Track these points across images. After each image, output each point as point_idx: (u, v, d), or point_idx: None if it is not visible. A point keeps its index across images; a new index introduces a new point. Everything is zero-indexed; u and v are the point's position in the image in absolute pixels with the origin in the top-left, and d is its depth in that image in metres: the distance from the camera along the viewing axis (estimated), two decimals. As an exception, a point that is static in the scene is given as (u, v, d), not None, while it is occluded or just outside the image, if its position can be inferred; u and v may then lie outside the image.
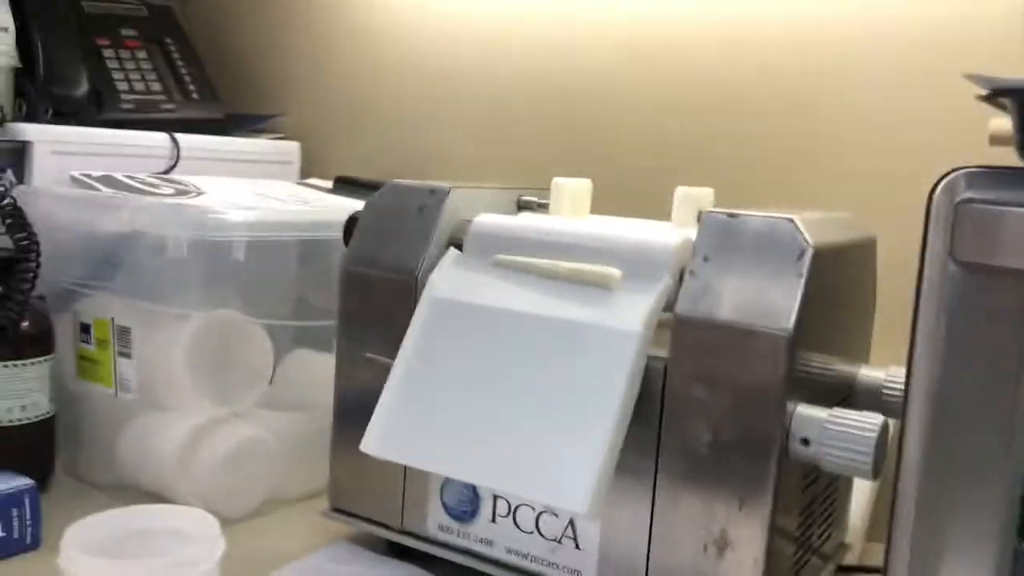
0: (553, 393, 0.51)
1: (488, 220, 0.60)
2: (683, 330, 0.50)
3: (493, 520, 0.57)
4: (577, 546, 0.54)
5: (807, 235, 0.49)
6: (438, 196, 0.61)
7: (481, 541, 0.58)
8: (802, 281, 0.48)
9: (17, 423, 0.66)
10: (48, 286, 0.73)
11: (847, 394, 0.58)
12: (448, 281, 0.58)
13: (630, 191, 0.74)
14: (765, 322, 0.48)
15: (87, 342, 0.69)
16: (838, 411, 0.49)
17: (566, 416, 0.50)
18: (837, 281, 0.54)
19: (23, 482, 0.60)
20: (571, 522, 0.54)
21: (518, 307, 0.55)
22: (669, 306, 0.51)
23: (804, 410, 0.49)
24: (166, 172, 0.87)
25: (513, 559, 0.56)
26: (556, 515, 0.55)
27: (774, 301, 0.48)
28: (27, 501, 0.59)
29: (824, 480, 0.56)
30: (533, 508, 0.55)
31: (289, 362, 0.78)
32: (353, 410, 0.61)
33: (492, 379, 0.53)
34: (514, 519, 0.56)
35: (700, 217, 0.52)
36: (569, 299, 0.54)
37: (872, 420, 0.48)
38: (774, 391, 0.47)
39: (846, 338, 0.57)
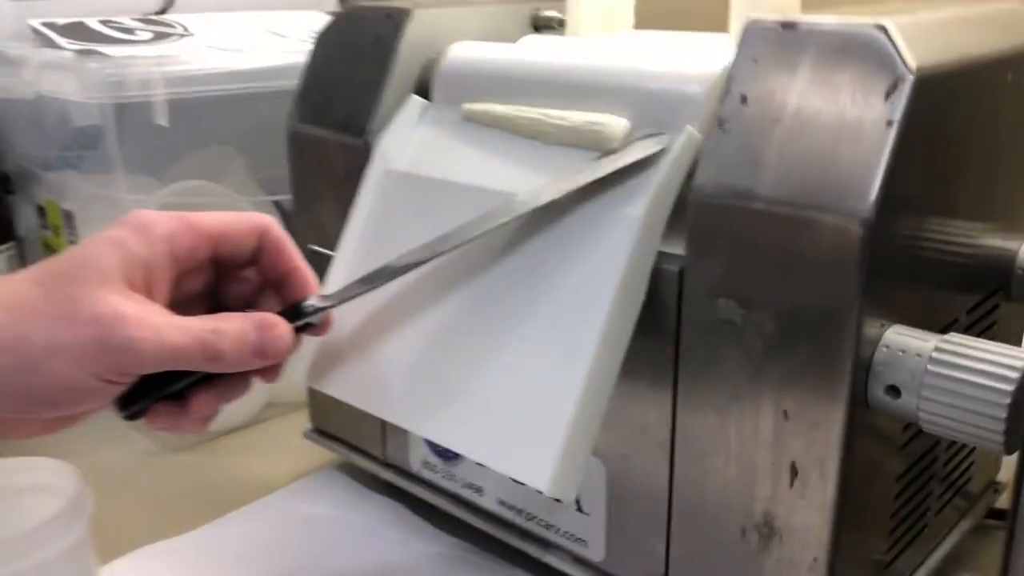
0: (526, 311, 0.35)
1: (462, 53, 0.42)
2: (704, 216, 0.32)
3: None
4: (580, 508, 0.39)
5: (907, 54, 0.29)
6: (395, 22, 0.44)
7: (468, 487, 0.44)
8: (893, 132, 0.28)
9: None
10: (13, 163, 0.63)
11: (996, 286, 0.39)
12: (405, 145, 0.42)
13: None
14: (830, 202, 0.29)
15: (47, 228, 0.59)
16: (954, 341, 0.30)
17: (538, 347, 0.34)
18: (975, 118, 0.34)
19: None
20: (569, 477, 0.39)
21: (487, 183, 0.38)
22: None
23: (896, 338, 0.31)
24: (161, 12, 0.73)
25: (506, 513, 0.43)
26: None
27: (845, 168, 0.29)
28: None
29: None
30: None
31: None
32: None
33: (450, 291, 0.38)
34: (502, 465, 0.42)
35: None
36: (556, 167, 0.37)
37: (1012, 361, 0.29)
38: (844, 311, 0.29)
39: (994, 201, 0.37)
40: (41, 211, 0.59)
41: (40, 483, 0.39)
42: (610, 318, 0.33)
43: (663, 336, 0.34)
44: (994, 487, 0.46)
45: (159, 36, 0.65)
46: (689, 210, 0.32)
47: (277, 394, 0.59)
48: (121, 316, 0.29)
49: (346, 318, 0.40)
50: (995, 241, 0.37)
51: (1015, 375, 0.28)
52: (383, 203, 0.41)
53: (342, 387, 0.40)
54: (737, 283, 0.31)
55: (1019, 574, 0.27)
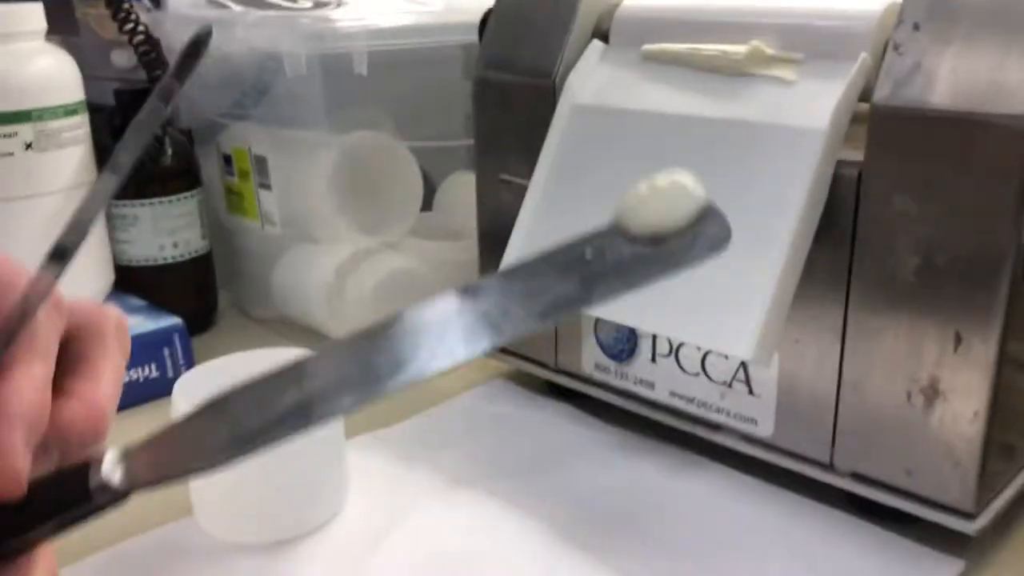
0: (727, 208, 0.41)
1: (637, 1, 0.49)
2: (884, 124, 0.38)
3: (653, 360, 0.49)
4: (751, 391, 0.46)
5: (1066, -20, 0.35)
6: (578, -22, 0.50)
7: (640, 382, 0.50)
8: (1055, 46, 0.35)
9: (171, 260, 0.64)
10: (193, 118, 0.70)
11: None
12: (590, 83, 0.48)
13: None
14: (998, 106, 0.35)
15: (231, 174, 0.66)
16: (1102, 222, 0.36)
17: (738, 238, 0.41)
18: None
19: (171, 321, 0.58)
20: (743, 363, 0.46)
21: (671, 109, 0.44)
22: (868, 94, 0.39)
23: (1052, 223, 0.37)
24: (310, -15, 0.80)
25: (677, 403, 0.49)
26: (725, 356, 0.46)
27: (1011, 78, 0.35)
28: (177, 340, 0.58)
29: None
30: (698, 347, 0.47)
31: (448, 187, 0.72)
32: (497, 238, 0.54)
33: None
34: (677, 359, 0.48)
35: (911, -29, 0.39)
36: (737, 94, 0.43)
37: None
38: (1009, 198, 0.36)
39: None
40: (227, 159, 0.66)
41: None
42: (801, 212, 0.39)
43: (841, 230, 0.40)
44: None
45: (319, 4, 0.72)
46: (871, 119, 0.38)
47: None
48: None
49: (534, 221, 0.47)
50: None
51: None
52: (572, 134, 0.48)
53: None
54: (913, 180, 0.38)
55: None
